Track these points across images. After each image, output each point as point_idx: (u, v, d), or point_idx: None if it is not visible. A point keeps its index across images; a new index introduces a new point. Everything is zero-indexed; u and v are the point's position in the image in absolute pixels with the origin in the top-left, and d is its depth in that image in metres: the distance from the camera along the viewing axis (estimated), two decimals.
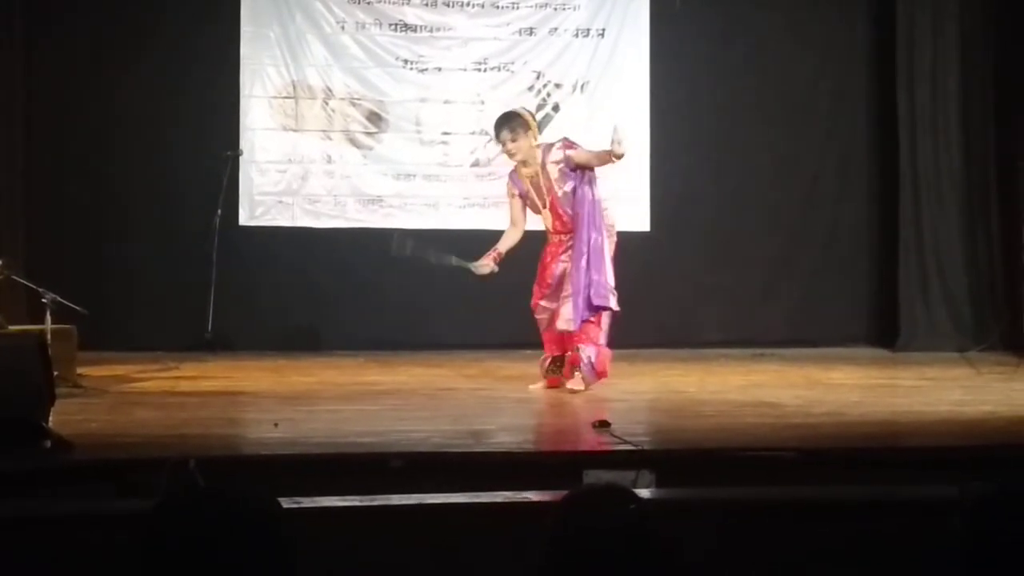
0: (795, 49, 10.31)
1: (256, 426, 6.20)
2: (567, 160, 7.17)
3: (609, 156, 7.05)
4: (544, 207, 7.29)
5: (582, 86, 10.05)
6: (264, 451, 5.24)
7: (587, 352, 7.10)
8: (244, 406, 6.79)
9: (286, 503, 2.87)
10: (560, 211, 7.24)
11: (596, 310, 7.11)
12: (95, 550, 3.83)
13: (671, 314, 9.95)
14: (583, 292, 7.07)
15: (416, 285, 9.73)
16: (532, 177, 7.28)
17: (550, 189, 7.23)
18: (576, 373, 7.14)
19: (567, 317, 7.10)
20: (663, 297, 9.85)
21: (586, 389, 7.07)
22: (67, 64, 9.45)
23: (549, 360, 7.35)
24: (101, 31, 9.49)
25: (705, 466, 5.00)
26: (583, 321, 7.09)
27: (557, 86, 10.09)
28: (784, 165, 10.32)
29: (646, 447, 5.36)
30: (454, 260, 7.57)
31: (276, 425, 5.69)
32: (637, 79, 10.09)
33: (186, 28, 9.54)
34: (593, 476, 4.78)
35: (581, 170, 7.19)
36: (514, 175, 7.42)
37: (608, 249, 7.20)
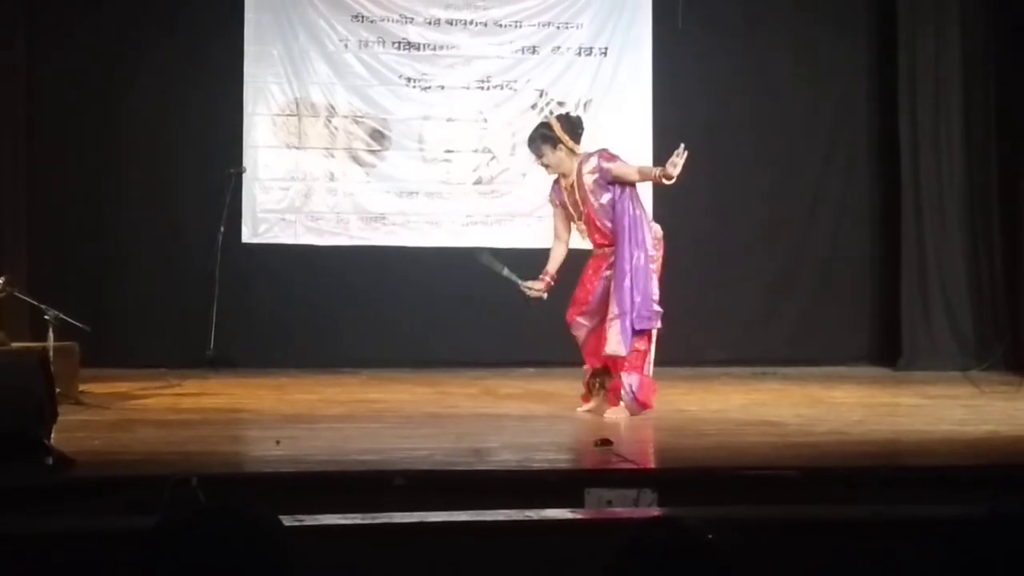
0: (796, 68, 10.33)
1: (258, 443, 6.20)
2: (603, 172, 6.95)
3: (656, 175, 6.90)
4: (579, 218, 7.06)
5: (585, 104, 10.06)
6: (266, 469, 5.25)
7: (629, 380, 6.86)
8: (246, 424, 6.79)
9: (288, 521, 2.87)
10: (598, 223, 6.99)
11: (640, 333, 6.89)
12: (97, 567, 3.83)
13: (672, 333, 9.88)
14: (629, 314, 6.85)
15: (418, 303, 9.75)
16: (569, 188, 7.08)
17: (585, 200, 6.99)
18: (621, 403, 6.85)
19: (616, 341, 6.83)
20: (665, 315, 9.81)
21: (629, 417, 6.80)
22: (71, 82, 9.48)
23: (591, 372, 7.09)
24: (105, 48, 9.52)
25: (707, 485, 5.00)
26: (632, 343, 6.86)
27: (560, 104, 10.10)
28: (785, 183, 10.33)
29: (648, 466, 5.36)
30: (506, 271, 7.31)
31: (278, 443, 5.69)
32: (640, 98, 10.11)
33: (190, 46, 9.56)
34: (595, 495, 4.78)
35: (620, 184, 6.97)
36: (556, 184, 7.20)
37: (653, 265, 6.98)
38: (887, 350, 10.20)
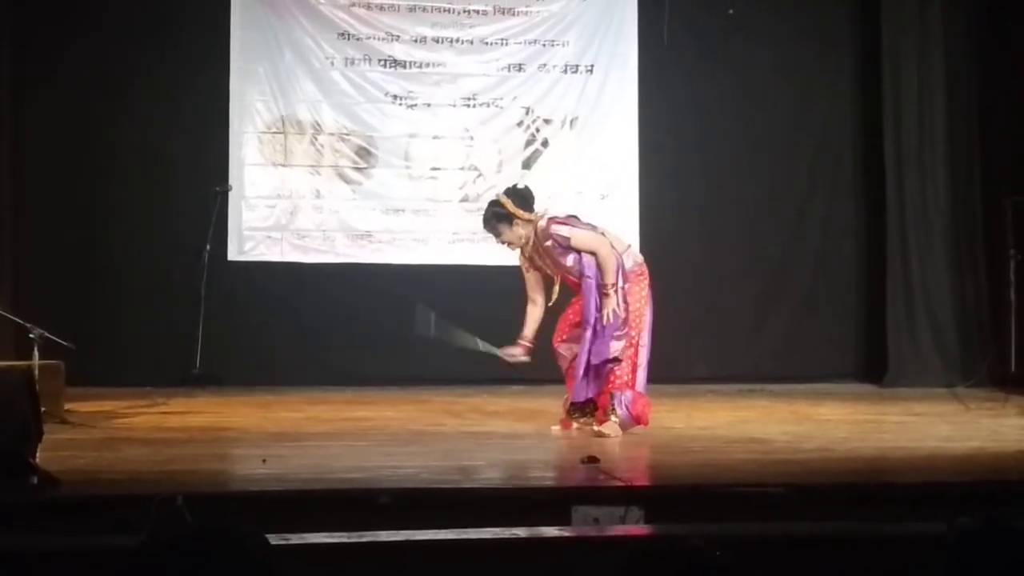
0: (782, 85, 10.37)
1: (244, 462, 6.18)
2: (556, 239, 6.88)
3: (611, 274, 6.79)
4: (556, 279, 6.98)
5: (571, 121, 10.09)
6: (252, 487, 5.23)
7: (621, 396, 6.76)
8: (232, 442, 6.77)
9: (274, 539, 2.86)
10: (572, 280, 6.94)
11: (606, 363, 6.79)
12: None
13: (659, 350, 9.88)
14: (584, 363, 6.78)
15: (405, 320, 9.71)
16: (534, 254, 7.00)
17: (556, 263, 6.93)
18: (612, 418, 6.76)
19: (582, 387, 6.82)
20: (652, 332, 9.82)
21: (621, 433, 6.72)
22: (57, 100, 9.47)
23: (571, 401, 7.00)
24: (91, 66, 9.51)
25: (694, 502, 4.99)
26: (608, 370, 6.78)
27: (546, 122, 10.14)
28: (771, 200, 10.36)
29: (635, 483, 5.36)
30: (481, 345, 7.24)
31: (264, 461, 5.67)
32: (626, 114, 10.14)
33: (176, 64, 9.56)
34: (582, 512, 4.77)
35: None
36: (522, 254, 7.11)
37: (635, 297, 6.87)
38: (873, 367, 10.23)
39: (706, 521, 4.66)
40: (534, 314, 7.12)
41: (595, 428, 6.81)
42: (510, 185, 7.31)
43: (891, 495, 5.22)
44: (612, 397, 6.79)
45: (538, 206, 7.02)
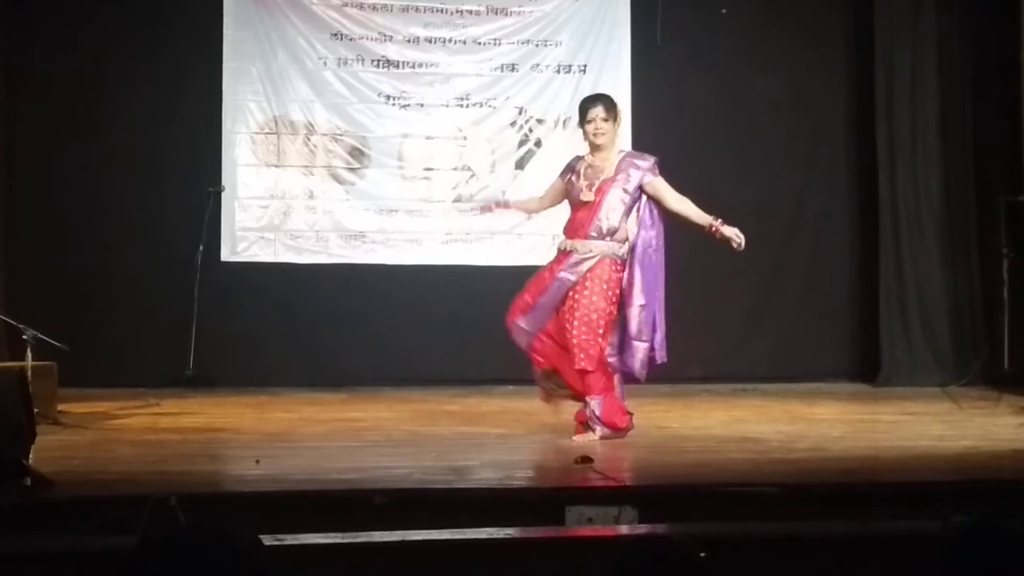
0: (775, 84, 10.37)
1: (237, 463, 6.18)
2: (643, 178, 6.66)
3: (707, 224, 6.75)
4: (590, 190, 6.62)
5: (564, 121, 10.08)
6: (246, 488, 5.23)
7: (593, 404, 6.62)
8: (225, 443, 6.76)
9: (268, 540, 2.86)
10: (602, 208, 6.60)
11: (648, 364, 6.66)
12: None
13: None
14: (651, 344, 6.63)
15: (398, 321, 9.74)
16: (592, 169, 6.69)
17: (611, 181, 6.62)
18: (596, 428, 6.61)
19: (641, 360, 6.61)
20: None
21: (599, 439, 6.56)
22: (48, 99, 9.45)
23: (541, 373, 6.77)
24: (83, 65, 9.49)
25: (688, 502, 5.00)
26: (588, 371, 6.59)
27: (539, 121, 10.14)
28: (765, 200, 10.35)
29: (628, 483, 5.36)
30: None
31: (258, 462, 5.68)
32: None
33: (168, 64, 9.55)
34: (576, 512, 4.78)
35: (652, 205, 6.70)
36: (578, 159, 6.81)
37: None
38: (866, 366, 10.24)
39: (700, 521, 4.67)
40: (531, 204, 7.18)
41: (574, 439, 6.61)
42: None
43: (885, 494, 5.23)
44: (588, 403, 6.64)
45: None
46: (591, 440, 6.54)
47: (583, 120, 6.82)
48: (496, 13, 10.12)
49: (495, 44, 10.13)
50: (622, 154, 6.82)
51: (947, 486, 5.25)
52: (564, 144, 10.05)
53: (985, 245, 10.05)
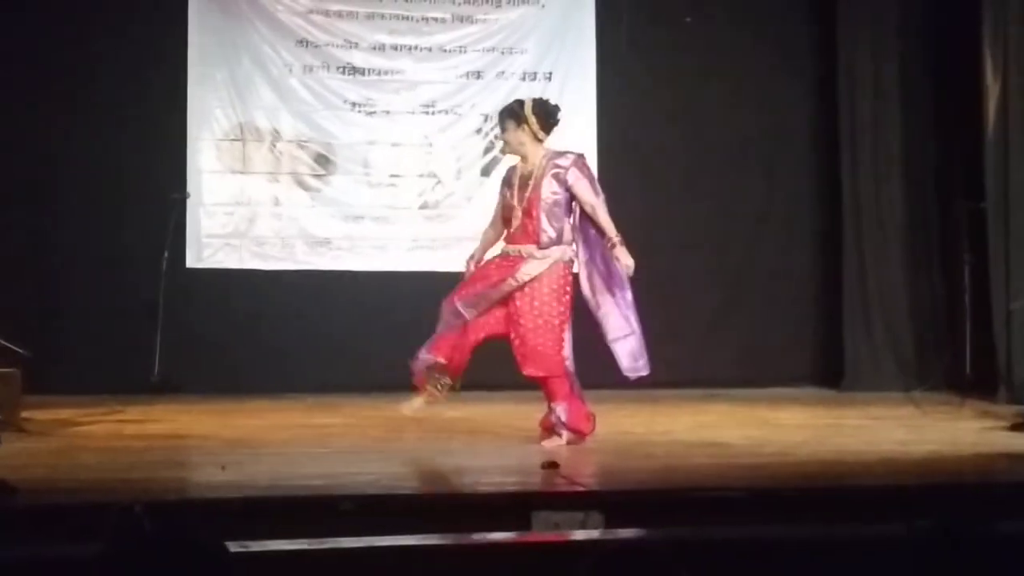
0: (738, 92, 10.42)
1: (203, 469, 6.16)
2: (567, 176, 6.61)
3: (607, 238, 6.61)
4: (520, 204, 6.62)
5: None
6: (211, 494, 5.21)
7: (559, 410, 6.62)
8: (191, 449, 6.74)
9: (234, 547, 2.86)
10: (534, 213, 6.59)
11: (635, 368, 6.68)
12: None
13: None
14: (639, 334, 6.67)
15: (364, 327, 9.72)
16: (525, 176, 6.68)
17: (537, 187, 6.60)
18: (562, 433, 6.61)
19: (631, 358, 6.69)
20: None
21: (566, 444, 6.58)
22: (8, 104, 9.36)
23: (433, 364, 6.61)
24: (45, 69, 9.40)
25: (654, 506, 5.02)
26: (552, 377, 6.57)
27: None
28: (729, 206, 10.41)
29: (595, 488, 5.37)
30: None
31: (223, 468, 5.66)
32: (584, 121, 10.14)
33: (132, 69, 9.50)
34: (542, 517, 4.78)
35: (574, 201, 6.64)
36: (512, 169, 6.83)
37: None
38: (830, 371, 10.30)
39: (667, 525, 4.68)
40: (491, 235, 6.93)
41: (543, 443, 6.63)
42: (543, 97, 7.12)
43: (849, 498, 5.26)
44: (554, 409, 6.65)
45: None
46: (558, 444, 6.55)
47: None
48: (462, 21, 10.13)
49: (461, 51, 10.13)
50: (547, 155, 6.73)
51: (911, 490, 5.29)
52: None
53: (947, 251, 10.13)
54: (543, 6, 10.20)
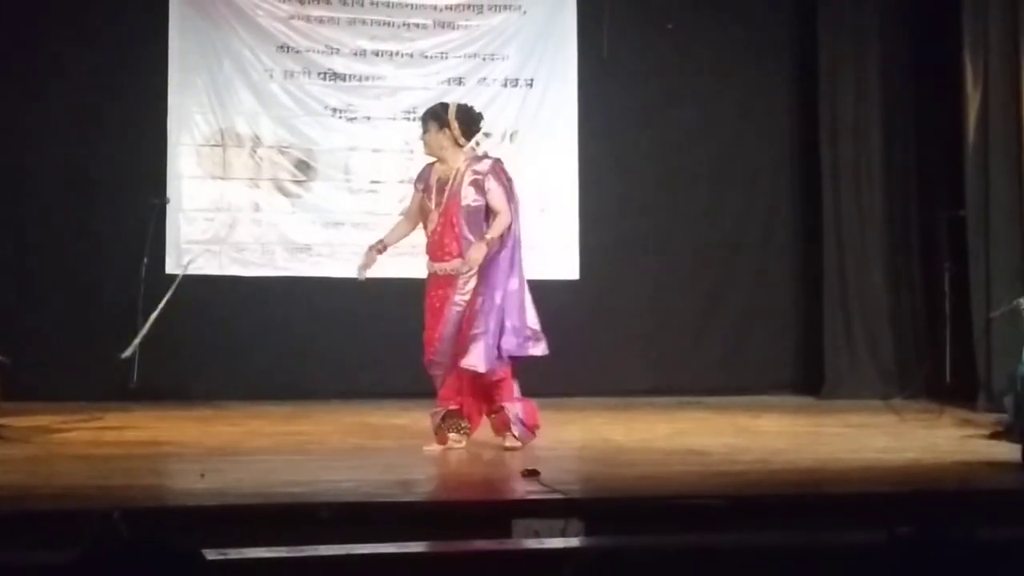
0: (721, 98, 10.44)
1: (182, 477, 6.13)
2: (484, 182, 6.68)
3: (490, 237, 6.62)
4: (437, 208, 6.70)
5: (511, 135, 10.10)
6: (190, 502, 5.19)
7: (514, 410, 6.72)
8: (169, 457, 6.71)
9: (212, 555, 2.84)
10: (455, 220, 6.67)
11: (512, 359, 6.69)
12: None
13: (599, 362, 9.98)
14: (497, 336, 6.59)
15: (345, 334, 9.70)
16: (443, 178, 6.76)
17: (456, 194, 6.67)
18: (511, 433, 6.71)
19: (477, 355, 6.53)
20: (591, 345, 9.88)
21: (523, 446, 6.69)
22: None
23: (443, 414, 6.77)
24: (24, 73, 9.37)
25: (634, 514, 5.01)
26: (497, 375, 6.64)
27: (486, 135, 10.09)
28: (710, 214, 10.43)
29: (575, 496, 5.37)
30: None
31: (202, 476, 5.64)
32: (566, 128, 10.17)
33: (112, 74, 9.47)
34: (522, 525, 4.78)
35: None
36: (429, 168, 6.89)
37: (526, 291, 6.75)
38: (810, 379, 10.32)
39: (647, 533, 4.68)
40: (403, 228, 7.05)
41: (505, 444, 6.72)
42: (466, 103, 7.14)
43: (829, 505, 5.27)
44: (505, 410, 6.73)
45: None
46: (515, 446, 6.66)
47: None
48: (443, 27, 10.13)
49: (442, 58, 10.13)
50: (467, 160, 6.80)
51: (891, 497, 5.30)
52: (510, 157, 10.06)
53: (927, 259, 10.16)
54: (525, 12, 10.21)
